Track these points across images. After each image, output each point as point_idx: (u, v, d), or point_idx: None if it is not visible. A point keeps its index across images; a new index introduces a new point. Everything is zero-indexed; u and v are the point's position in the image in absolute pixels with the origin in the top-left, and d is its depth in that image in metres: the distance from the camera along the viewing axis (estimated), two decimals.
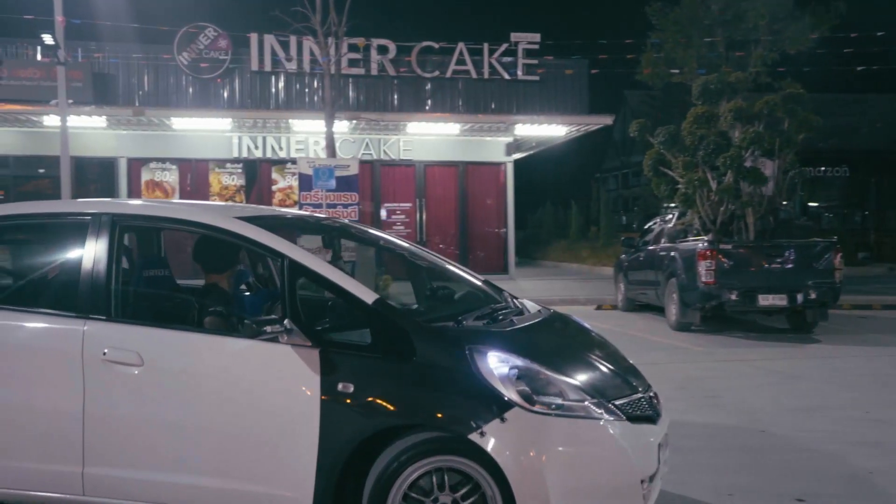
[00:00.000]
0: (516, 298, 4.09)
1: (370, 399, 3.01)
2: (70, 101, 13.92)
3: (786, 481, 4.36)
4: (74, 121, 14.82)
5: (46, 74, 15.23)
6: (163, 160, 17.36)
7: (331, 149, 14.60)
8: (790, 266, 9.96)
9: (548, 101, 17.88)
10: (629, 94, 28.92)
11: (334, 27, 14.33)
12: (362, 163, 14.88)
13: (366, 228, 4.99)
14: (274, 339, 3.09)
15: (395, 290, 11.65)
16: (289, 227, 4.46)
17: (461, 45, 17.44)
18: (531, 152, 20.18)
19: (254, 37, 16.68)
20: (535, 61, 17.63)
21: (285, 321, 3.08)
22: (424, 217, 18.37)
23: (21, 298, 4.02)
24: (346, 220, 5.53)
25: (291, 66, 16.88)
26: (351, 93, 17.35)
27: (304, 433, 3.03)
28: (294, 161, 16.70)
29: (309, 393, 3.04)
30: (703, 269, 9.86)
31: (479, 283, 4.23)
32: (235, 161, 17.59)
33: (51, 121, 15.35)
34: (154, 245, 4.47)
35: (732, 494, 4.13)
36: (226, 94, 17.02)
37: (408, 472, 2.99)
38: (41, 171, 16.58)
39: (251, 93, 17.08)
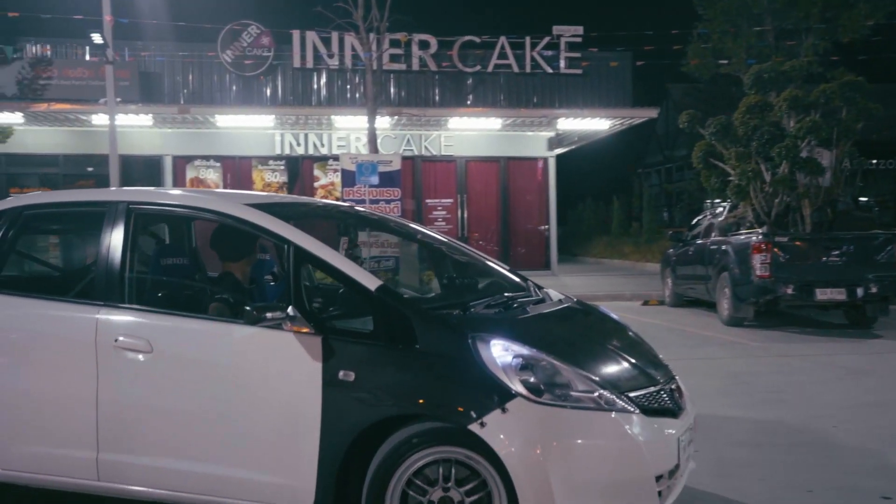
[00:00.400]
0: (541, 288, 3.97)
1: (371, 387, 2.95)
2: (118, 99, 14.12)
3: (865, 478, 4.16)
4: (121, 119, 15.03)
5: (95, 74, 15.51)
6: (207, 158, 17.52)
7: (373, 144, 14.59)
8: (849, 259, 9.62)
9: (591, 94, 17.63)
10: (672, 87, 28.40)
11: (376, 23, 14.33)
12: (403, 159, 14.81)
13: (405, 222, 4.95)
14: (278, 327, 3.05)
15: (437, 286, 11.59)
16: (305, 215, 4.44)
17: (503, 39, 17.29)
18: (573, 147, 19.92)
19: (296, 34, 16.75)
20: (577, 54, 17.39)
21: (289, 308, 3.03)
22: (466, 213, 18.28)
23: (42, 285, 4.19)
24: (366, 211, 5.49)
25: (333, 63, 16.92)
26: (392, 89, 17.33)
27: (306, 422, 2.98)
28: (336, 158, 16.74)
29: (311, 381, 2.99)
30: (758, 263, 9.59)
31: (506, 273, 4.15)
32: (278, 158, 17.68)
33: (99, 119, 15.59)
34: (184, 235, 4.49)
35: (812, 491, 3.95)
36: (268, 92, 17.12)
37: (408, 462, 2.90)
38: (90, 169, 16.85)
39: (293, 90, 17.16)
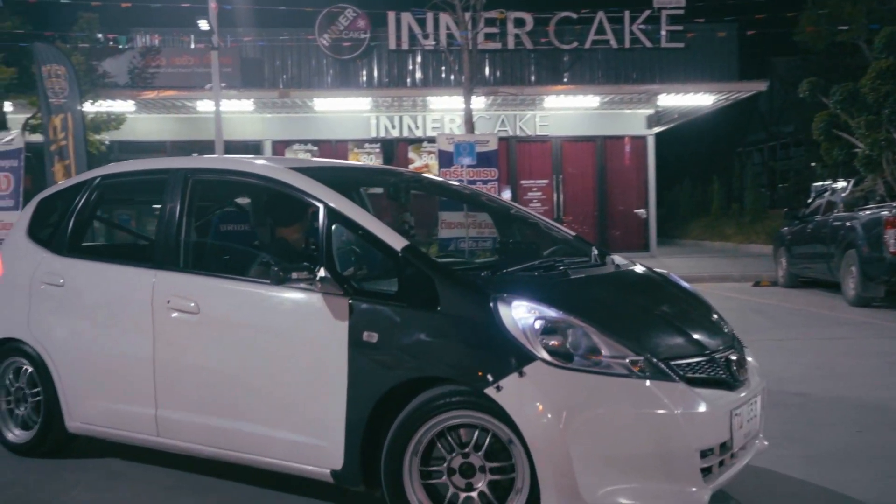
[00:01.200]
0: (606, 255, 3.73)
1: (392, 349, 2.91)
2: (222, 85, 14.47)
3: None
4: (224, 105, 15.38)
5: (200, 61, 15.97)
6: (305, 142, 17.82)
7: (468, 125, 14.46)
8: None
9: (693, 68, 16.91)
10: (776, 60, 27.04)
11: (472, 1, 14.16)
12: (498, 140, 14.61)
13: (462, 185, 4.94)
14: (310, 288, 3.06)
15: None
16: (356, 180, 4.46)
17: (601, 14, 16.79)
18: (673, 124, 19.25)
19: (391, 15, 16.76)
20: (679, 27, 16.73)
21: (320, 270, 3.02)
22: (562, 195, 17.92)
23: (118, 251, 4.61)
24: (429, 176, 5.47)
25: (428, 44, 16.84)
26: (487, 68, 17.13)
27: (334, 383, 2.99)
28: (430, 140, 16.72)
29: (338, 342, 2.99)
30: (892, 239, 8.94)
31: (571, 240, 4.00)
32: (373, 141, 17.80)
33: (203, 106, 16.07)
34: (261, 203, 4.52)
35: None
36: (364, 75, 17.23)
37: (426, 427, 2.81)
38: (195, 155, 17.40)
39: (389, 72, 17.20)
